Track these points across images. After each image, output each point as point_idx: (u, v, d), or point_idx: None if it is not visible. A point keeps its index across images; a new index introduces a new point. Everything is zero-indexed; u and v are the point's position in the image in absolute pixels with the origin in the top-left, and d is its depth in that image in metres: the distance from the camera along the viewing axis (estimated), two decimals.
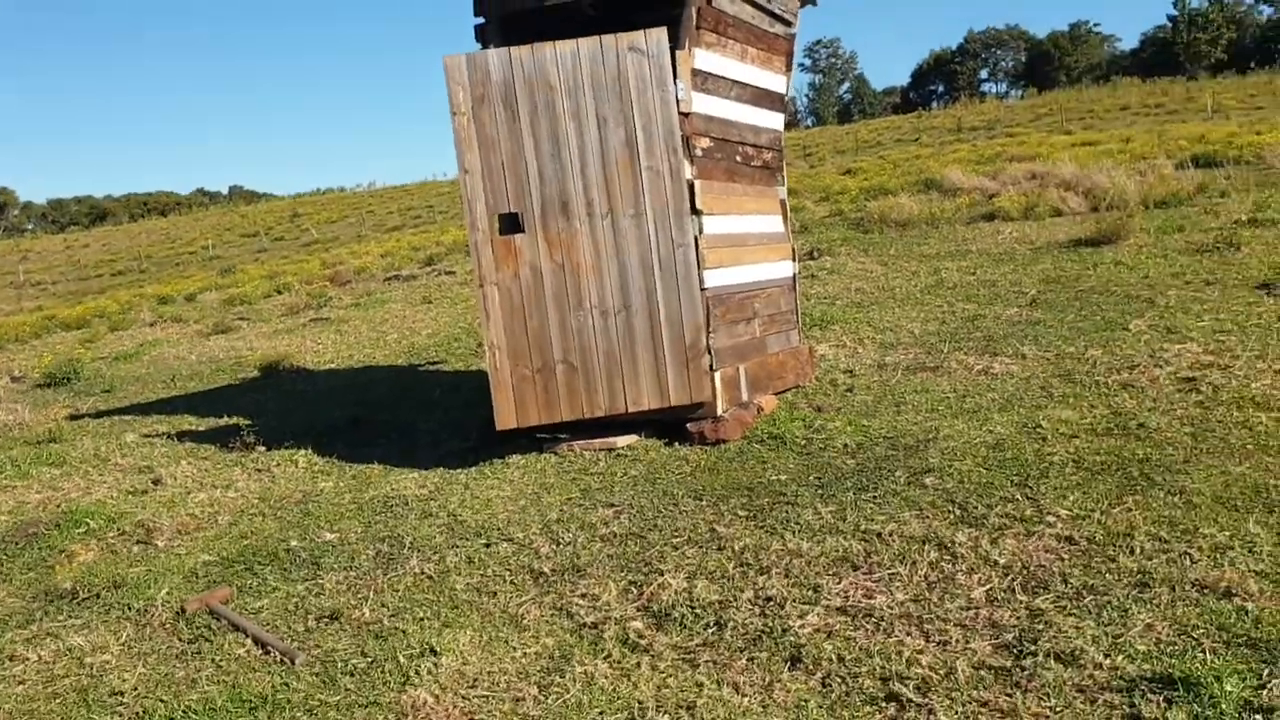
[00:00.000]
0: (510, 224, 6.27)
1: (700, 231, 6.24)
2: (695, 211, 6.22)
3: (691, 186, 6.20)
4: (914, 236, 14.39)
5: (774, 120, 7.41)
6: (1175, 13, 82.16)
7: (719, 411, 6.26)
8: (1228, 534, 4.06)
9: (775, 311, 7.23)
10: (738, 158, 6.87)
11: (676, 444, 6.26)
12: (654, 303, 6.24)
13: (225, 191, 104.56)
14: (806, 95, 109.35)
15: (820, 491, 5.13)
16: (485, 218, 6.26)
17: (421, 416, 7.92)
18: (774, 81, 7.32)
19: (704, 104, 6.39)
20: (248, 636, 4.20)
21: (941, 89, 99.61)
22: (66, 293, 36.80)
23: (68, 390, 11.45)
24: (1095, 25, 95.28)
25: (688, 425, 6.27)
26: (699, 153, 6.31)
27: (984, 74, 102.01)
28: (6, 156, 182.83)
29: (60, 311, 22.44)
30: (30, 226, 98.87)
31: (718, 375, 6.29)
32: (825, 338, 8.65)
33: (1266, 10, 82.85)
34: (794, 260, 7.58)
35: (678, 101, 6.13)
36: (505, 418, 6.37)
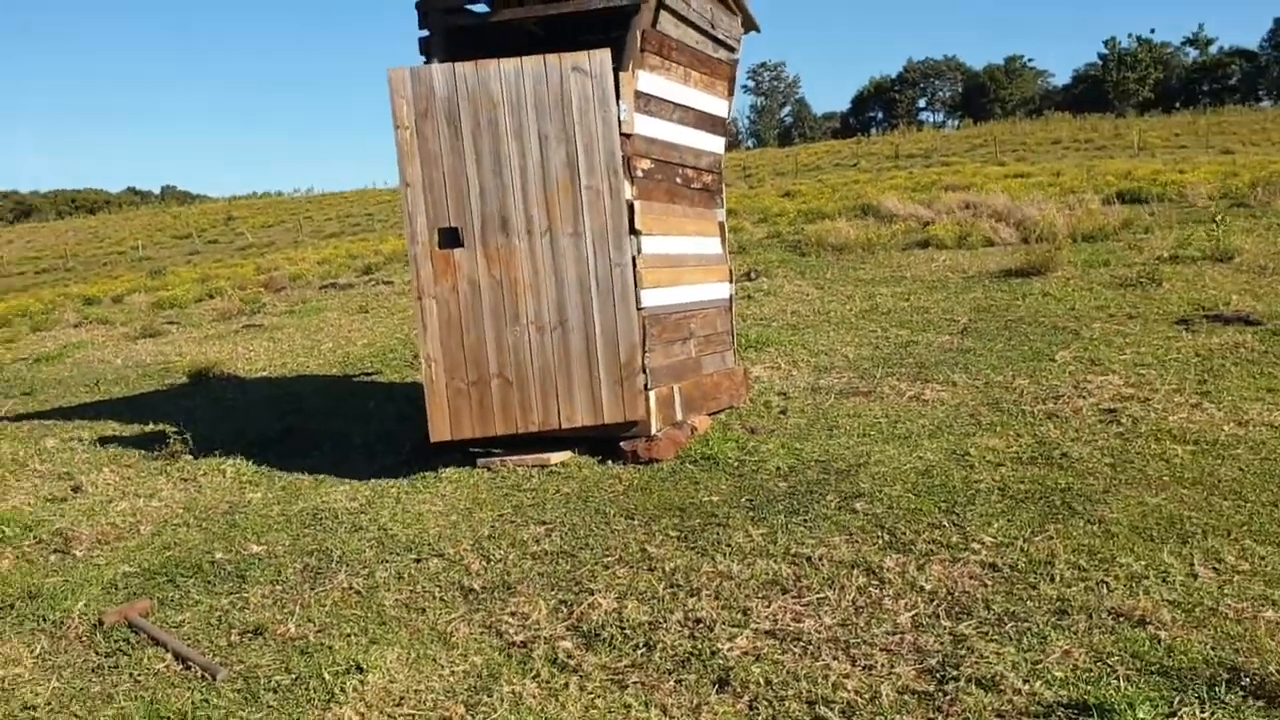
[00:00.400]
0: (450, 238, 6.26)
1: (639, 251, 6.27)
2: (634, 231, 6.25)
3: (631, 207, 6.24)
4: (850, 261, 14.58)
5: (715, 143, 7.49)
6: (1106, 52, 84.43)
7: (653, 431, 6.29)
8: (1143, 563, 4.18)
9: (711, 332, 7.29)
10: (678, 179, 6.93)
11: (610, 462, 6.27)
12: (590, 320, 6.26)
13: (158, 191, 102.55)
14: (748, 117, 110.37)
15: (751, 514, 5.18)
16: (425, 231, 6.23)
17: (355, 428, 7.84)
18: (716, 105, 7.39)
19: (646, 125, 6.44)
20: (168, 651, 4.12)
21: (881, 116, 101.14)
22: None
23: None
24: (1029, 60, 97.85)
25: (621, 444, 6.29)
26: (640, 174, 6.35)
27: (922, 103, 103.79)
28: None
29: None
30: None
31: (652, 394, 6.32)
32: (760, 359, 8.73)
33: (1192, 53, 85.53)
34: (731, 282, 7.65)
35: (620, 122, 6.16)
36: (440, 430, 6.34)
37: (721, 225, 7.61)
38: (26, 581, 5.04)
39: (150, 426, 8.30)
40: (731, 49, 7.51)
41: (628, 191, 6.23)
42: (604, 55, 6.16)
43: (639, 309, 6.26)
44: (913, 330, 9.54)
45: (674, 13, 6.53)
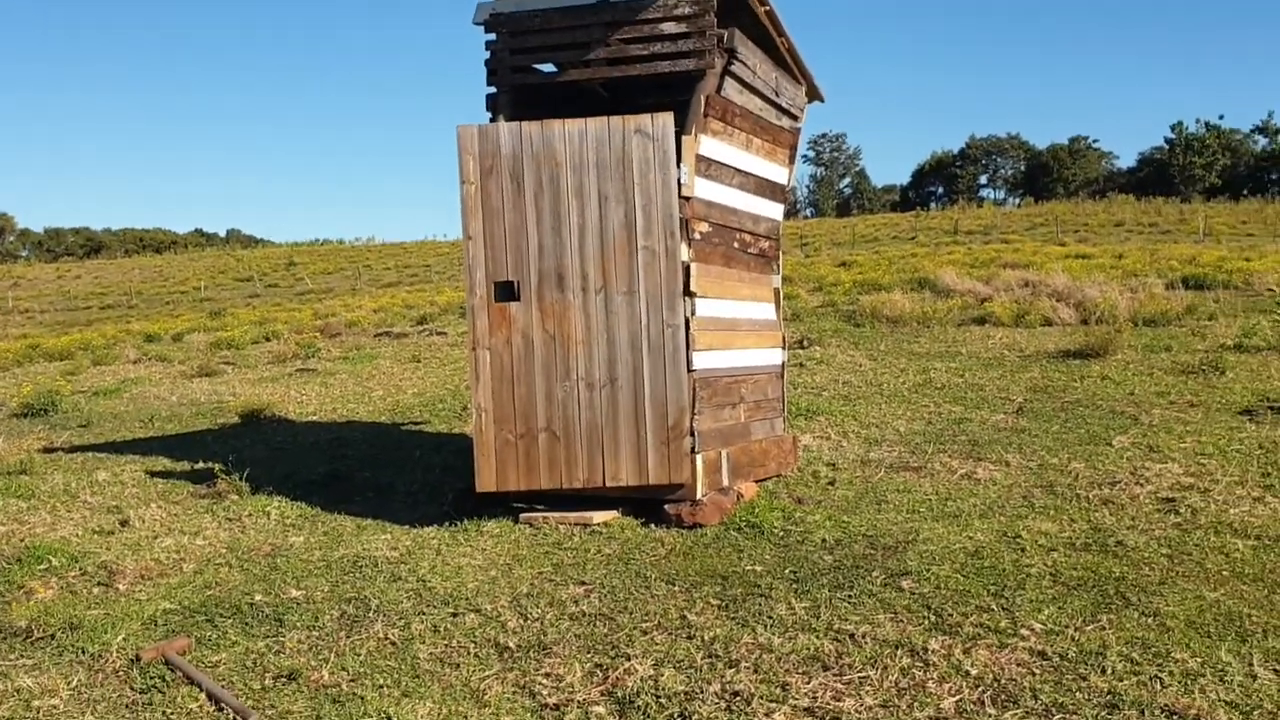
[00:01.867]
0: (506, 291, 6.30)
1: (692, 313, 6.26)
2: (689, 293, 6.25)
3: (687, 268, 6.24)
4: (905, 334, 14.48)
5: (774, 210, 7.49)
6: (1172, 136, 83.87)
7: (698, 495, 6.23)
8: (1199, 660, 4.02)
9: (762, 398, 7.24)
10: (735, 244, 6.94)
11: (653, 524, 6.21)
12: (640, 379, 6.25)
13: (223, 234, 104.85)
14: (807, 186, 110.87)
15: (795, 586, 5.08)
16: (484, 284, 6.28)
17: (400, 476, 7.86)
18: (776, 173, 7.41)
19: (706, 189, 6.47)
20: (202, 691, 4.10)
21: (940, 190, 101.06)
22: (54, 322, 36.70)
23: (44, 422, 11.35)
24: (1094, 141, 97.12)
25: (665, 506, 6.23)
26: (697, 236, 6.36)
27: (983, 179, 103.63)
28: (9, 181, 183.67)
29: (45, 341, 22.35)
30: (25, 253, 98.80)
31: (699, 458, 6.26)
32: (810, 428, 8.64)
33: (1261, 141, 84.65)
34: (784, 348, 7.61)
35: (679, 185, 6.19)
36: (486, 480, 6.33)
37: (777, 291, 7.59)
38: (68, 613, 5.06)
39: (200, 464, 8.39)
40: (795, 117, 7.54)
41: (684, 253, 6.24)
42: (666, 119, 6.20)
43: (690, 371, 6.24)
44: (966, 407, 9.41)
45: (739, 79, 6.58)
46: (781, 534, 5.93)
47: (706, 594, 5.02)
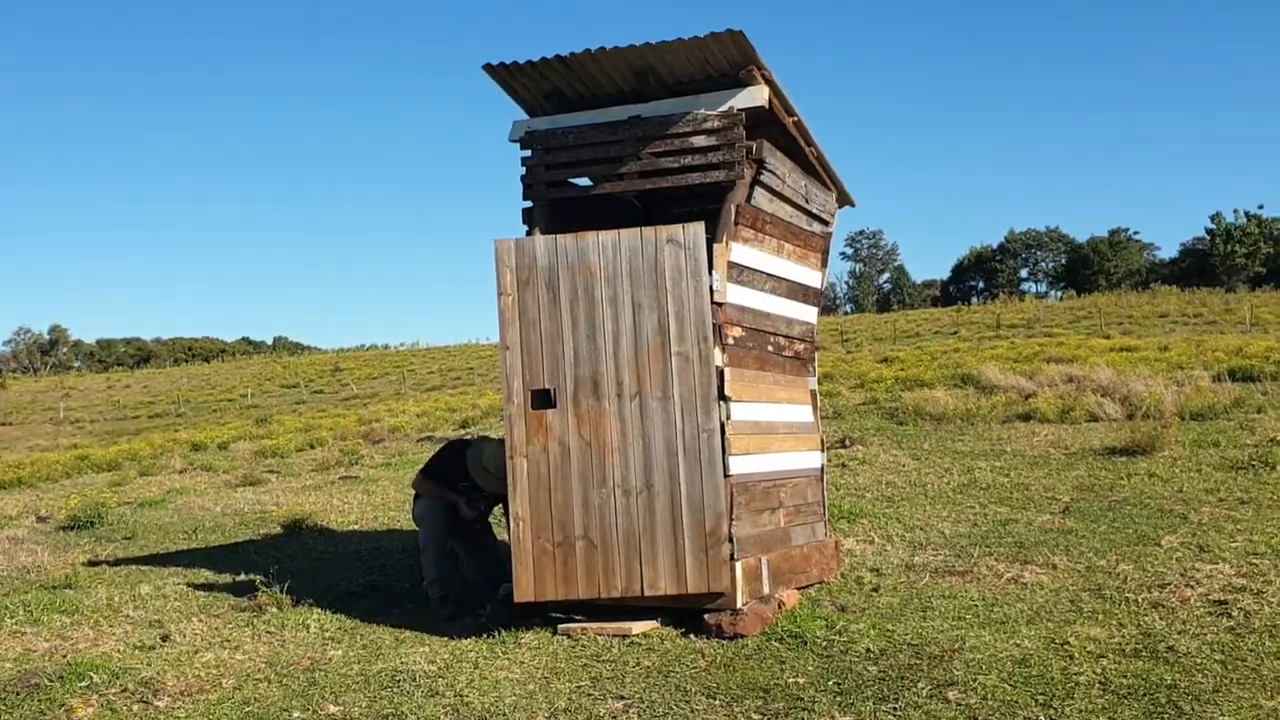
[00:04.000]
0: (543, 399, 6.35)
1: (728, 417, 6.27)
2: (724, 397, 6.26)
3: (721, 373, 6.27)
4: (949, 431, 14.34)
5: (807, 313, 7.53)
6: (1212, 226, 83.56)
7: (738, 604, 6.14)
8: None
9: (801, 502, 7.18)
10: (769, 347, 6.96)
11: (692, 635, 6.12)
12: (677, 485, 6.23)
13: (270, 342, 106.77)
14: (847, 282, 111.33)
15: (839, 699, 4.97)
16: (521, 392, 6.35)
17: None
18: (809, 276, 7.47)
19: (738, 295, 6.53)
20: None
21: (981, 285, 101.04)
22: (103, 432, 37.31)
23: (90, 534, 11.47)
24: (1135, 233, 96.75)
25: (705, 616, 6.14)
26: (730, 341, 6.40)
27: (1024, 273, 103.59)
28: (63, 294, 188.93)
29: (94, 451, 22.69)
30: (77, 364, 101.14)
31: (739, 565, 6.20)
32: (853, 531, 8.54)
33: None
34: (823, 451, 7.57)
35: (711, 291, 6.26)
36: (524, 590, 6.30)
37: (813, 393, 7.59)
38: None
39: (241, 576, 8.42)
40: (825, 222, 7.63)
41: (718, 358, 6.27)
42: (698, 228, 6.30)
43: (726, 475, 6.21)
44: (1012, 508, 9.27)
45: (768, 189, 6.68)
46: (825, 644, 5.82)
47: (748, 708, 4.93)
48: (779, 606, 6.40)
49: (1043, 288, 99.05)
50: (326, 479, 14.91)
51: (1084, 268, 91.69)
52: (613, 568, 6.25)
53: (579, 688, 5.38)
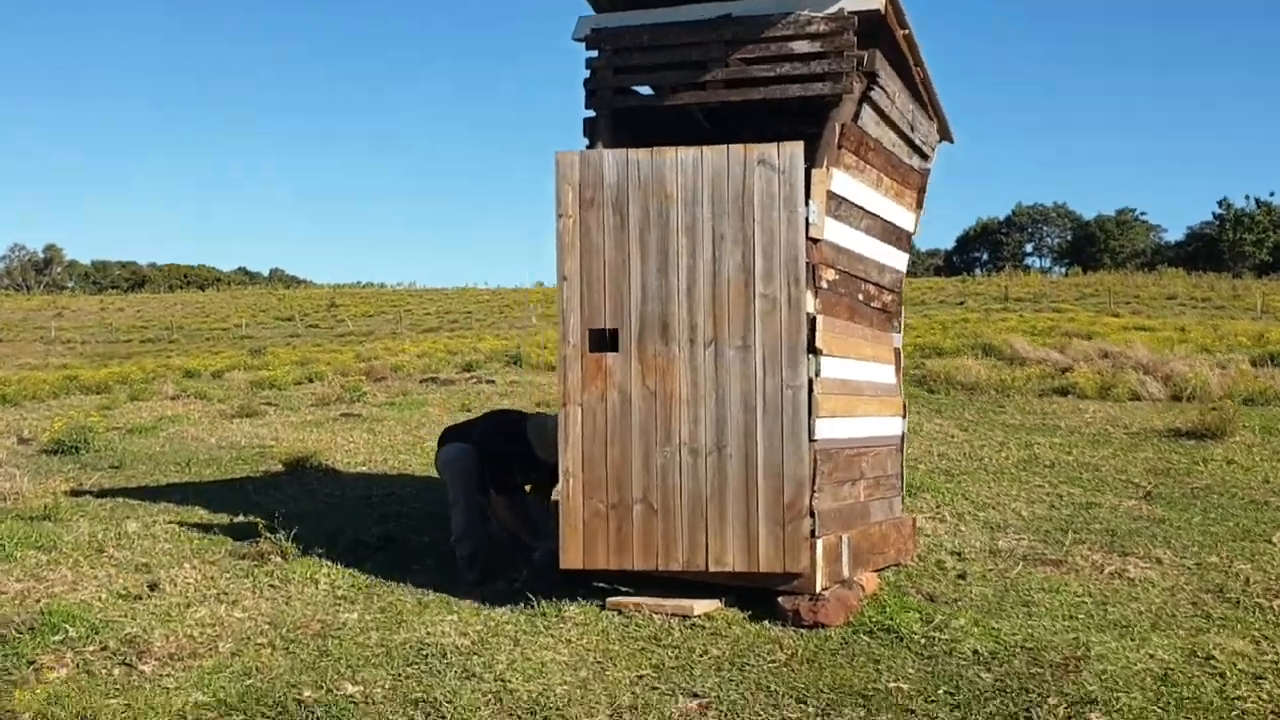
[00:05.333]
0: (603, 341, 5.48)
1: (817, 373, 5.41)
2: (813, 350, 5.40)
3: (813, 321, 5.39)
4: (985, 402, 13.52)
5: (899, 259, 6.67)
6: (1220, 211, 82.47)
7: (817, 587, 5.31)
8: None
9: (881, 474, 6.35)
10: (860, 295, 6.09)
11: (765, 621, 5.29)
12: (753, 448, 5.38)
13: (266, 273, 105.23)
14: None
15: (955, 712, 4.17)
16: (578, 331, 5.48)
17: None
18: (904, 217, 6.59)
19: (835, 231, 5.63)
20: None
21: (985, 257, 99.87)
22: (94, 354, 36.34)
23: (74, 460, 10.60)
24: (1142, 214, 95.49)
25: (780, 599, 5.31)
26: (823, 285, 5.52)
27: (1029, 248, 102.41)
28: (59, 213, 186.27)
29: (84, 372, 21.74)
30: (71, 285, 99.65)
31: (819, 543, 5.36)
32: (917, 507, 7.70)
33: None
34: (904, 417, 6.73)
35: (807, 225, 5.36)
36: (572, 556, 5.48)
37: (897, 352, 6.72)
38: (82, 702, 4.24)
39: (240, 518, 7.58)
40: (926, 156, 6.73)
41: (810, 303, 5.39)
42: (795, 149, 5.39)
43: (811, 440, 5.36)
44: (1085, 489, 8.45)
45: (877, 108, 5.77)
46: (923, 641, 5.00)
47: (849, 718, 4.12)
48: (861, 592, 5.58)
49: (1047, 263, 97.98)
50: (327, 415, 14.03)
51: (1089, 245, 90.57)
52: (674, 537, 5.42)
53: (641, 677, 4.57)
